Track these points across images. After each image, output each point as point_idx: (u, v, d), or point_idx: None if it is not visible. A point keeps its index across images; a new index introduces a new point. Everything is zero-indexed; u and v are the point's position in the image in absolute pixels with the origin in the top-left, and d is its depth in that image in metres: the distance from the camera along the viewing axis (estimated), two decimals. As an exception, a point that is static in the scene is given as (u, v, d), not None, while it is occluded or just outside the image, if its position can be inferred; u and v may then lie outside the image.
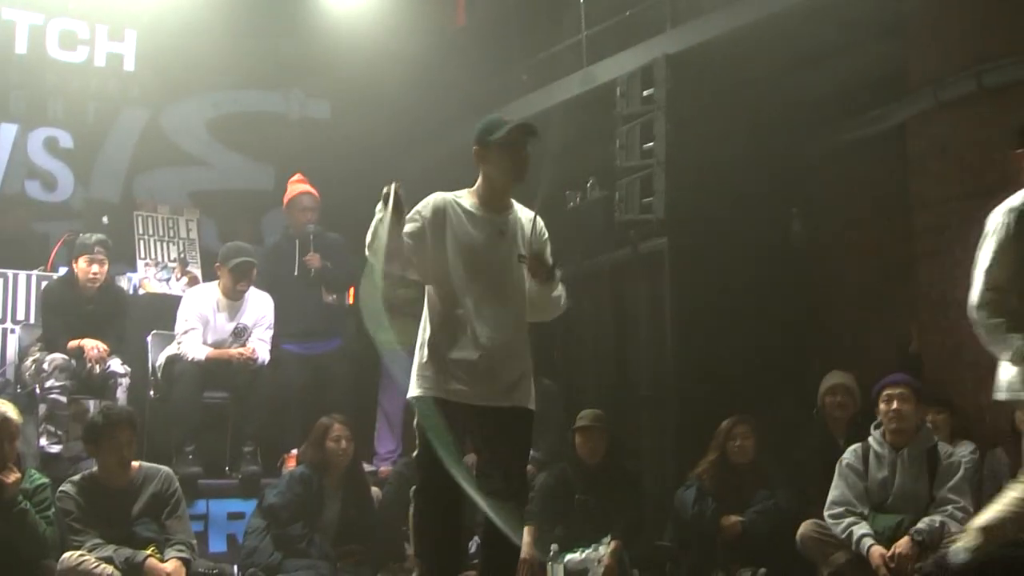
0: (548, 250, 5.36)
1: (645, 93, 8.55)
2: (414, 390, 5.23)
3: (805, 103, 8.35)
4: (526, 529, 7.22)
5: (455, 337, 5.18)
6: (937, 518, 6.17)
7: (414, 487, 5.32)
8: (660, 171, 8.32)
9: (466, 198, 5.30)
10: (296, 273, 8.76)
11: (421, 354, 5.24)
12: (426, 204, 5.26)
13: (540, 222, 5.37)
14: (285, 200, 9.01)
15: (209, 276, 9.02)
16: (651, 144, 8.44)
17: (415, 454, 5.32)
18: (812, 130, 8.63)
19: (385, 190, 5.08)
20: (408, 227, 5.16)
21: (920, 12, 7.85)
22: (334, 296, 8.91)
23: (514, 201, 5.38)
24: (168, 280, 9.62)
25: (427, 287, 5.32)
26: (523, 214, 5.39)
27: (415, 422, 5.28)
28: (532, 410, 5.36)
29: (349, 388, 8.83)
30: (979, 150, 7.59)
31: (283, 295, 8.64)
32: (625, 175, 8.61)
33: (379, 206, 5.08)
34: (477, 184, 5.34)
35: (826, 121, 8.55)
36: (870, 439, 6.51)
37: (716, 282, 8.25)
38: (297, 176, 9.04)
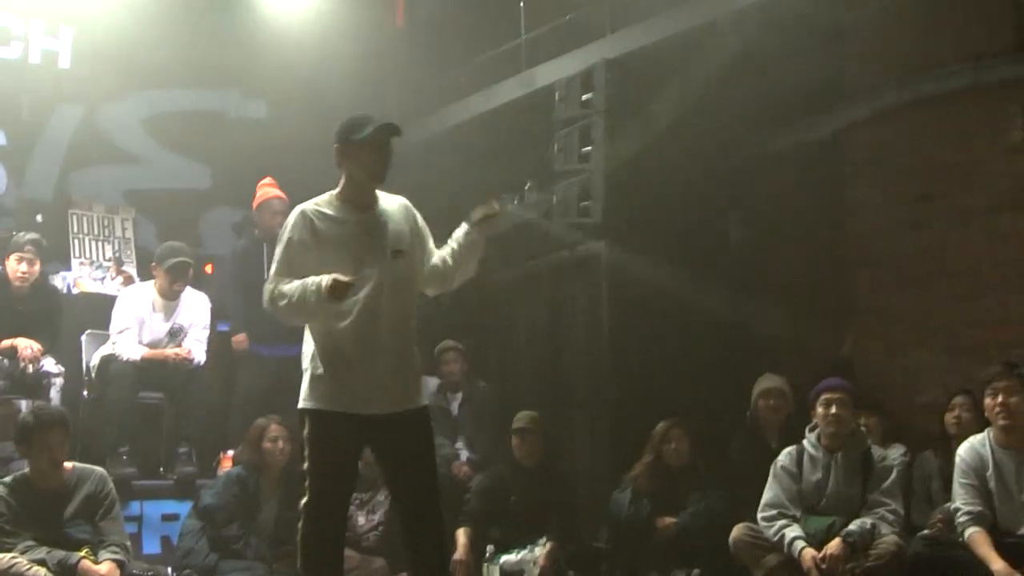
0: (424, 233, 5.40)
1: (584, 97, 8.59)
2: (304, 402, 5.23)
3: (743, 109, 8.43)
4: (461, 530, 7.26)
5: (341, 346, 5.15)
6: (868, 520, 6.24)
7: (303, 500, 5.21)
8: (598, 175, 8.37)
9: (327, 203, 5.26)
10: (265, 276, 8.70)
11: (313, 366, 5.22)
12: (294, 226, 5.21)
13: (409, 205, 5.39)
14: (255, 203, 8.92)
15: (145, 276, 8.94)
16: (589, 148, 8.48)
17: (304, 466, 5.24)
18: (750, 135, 8.71)
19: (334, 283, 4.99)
20: (294, 255, 5.16)
21: (859, 21, 7.96)
22: None
23: (378, 192, 5.32)
24: (103, 279, 9.52)
25: None
26: (390, 203, 5.35)
27: (304, 433, 5.24)
28: (427, 406, 5.40)
29: None
30: (914, 158, 7.72)
31: (252, 298, 8.59)
32: (563, 179, 8.65)
33: (321, 294, 5.00)
34: (340, 184, 5.30)
35: (764, 127, 8.63)
36: (805, 442, 6.57)
37: (652, 285, 8.31)
38: (267, 179, 8.97)
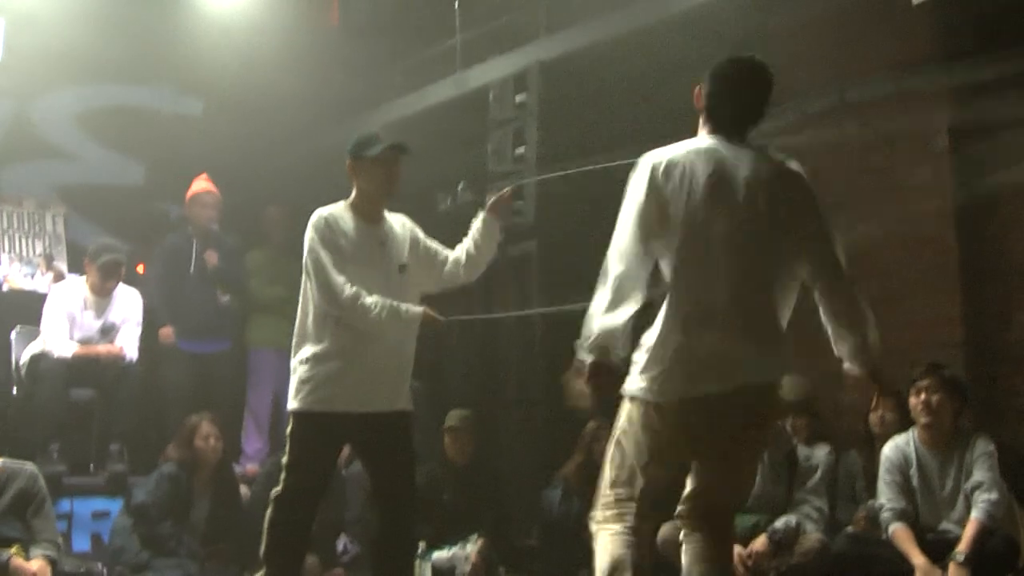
0: (424, 245, 5.74)
1: (518, 99, 8.66)
2: (294, 403, 5.36)
3: (675, 112, 8.51)
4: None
5: (343, 349, 5.31)
6: (793, 518, 6.37)
7: (274, 491, 5.40)
8: (531, 176, 8.44)
9: (343, 212, 5.47)
10: (192, 271, 8.70)
11: (307, 367, 5.36)
12: (323, 228, 5.39)
13: (409, 221, 5.74)
14: (187, 196, 8.94)
15: (76, 272, 8.89)
16: (522, 150, 8.55)
17: (284, 460, 5.42)
18: (682, 138, 8.79)
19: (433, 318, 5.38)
20: (335, 252, 5.34)
21: (786, 28, 8.07)
22: (228, 297, 8.87)
23: (386, 211, 5.59)
24: (33, 275, 9.46)
25: (307, 300, 5.42)
26: (395, 220, 5.63)
27: (288, 430, 5.37)
28: (411, 412, 5.64)
29: (238, 389, 8.84)
30: (840, 163, 7.84)
31: (179, 292, 8.60)
32: (496, 179, 8.70)
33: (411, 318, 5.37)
34: (352, 197, 5.53)
35: (689, 132, 8.71)
36: (732, 442, 6.69)
37: (584, 286, 8.37)
38: (203, 175, 8.98)
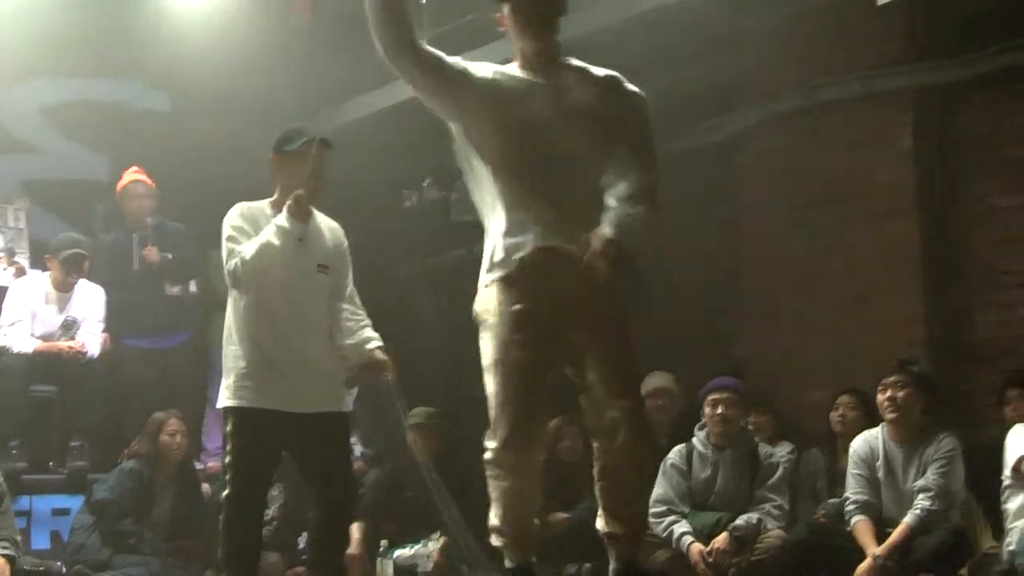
0: (349, 264, 5.58)
1: (486, 95, 8.62)
2: (226, 400, 5.31)
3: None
4: (355, 525, 7.25)
5: (262, 346, 5.26)
6: (754, 515, 6.39)
7: (224, 493, 5.34)
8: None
9: (264, 207, 5.41)
10: (136, 267, 8.57)
11: (236, 364, 5.30)
12: (236, 216, 5.34)
13: (340, 232, 5.60)
14: (117, 190, 8.82)
15: (39, 267, 8.81)
16: (489, 146, 8.51)
17: (226, 461, 5.36)
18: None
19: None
20: (240, 240, 5.24)
21: (757, 28, 8.09)
22: (178, 288, 8.76)
23: (315, 210, 5.43)
24: (-7, 270, 9.38)
25: (232, 297, 5.38)
26: (324, 223, 5.51)
27: (227, 429, 5.34)
28: (347, 413, 5.60)
29: (199, 383, 8.76)
30: (806, 162, 7.88)
31: (124, 291, 8.48)
32: (462, 177, 8.65)
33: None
34: (276, 193, 5.44)
35: (663, 127, 8.71)
36: (694, 440, 6.70)
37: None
38: (133, 167, 8.89)
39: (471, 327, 8.87)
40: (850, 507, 6.15)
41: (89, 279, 8.28)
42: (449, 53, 9.41)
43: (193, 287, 8.84)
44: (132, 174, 8.79)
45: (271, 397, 5.24)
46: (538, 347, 4.20)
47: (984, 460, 6.30)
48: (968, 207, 7.41)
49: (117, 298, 8.35)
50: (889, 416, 6.20)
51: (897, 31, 7.51)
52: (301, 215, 5.17)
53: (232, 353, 5.32)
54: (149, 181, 8.72)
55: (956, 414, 6.85)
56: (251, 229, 5.28)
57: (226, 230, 5.32)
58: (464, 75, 4.30)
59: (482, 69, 4.32)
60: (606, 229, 3.96)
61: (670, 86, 8.30)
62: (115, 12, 9.75)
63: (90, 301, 8.23)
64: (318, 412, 5.32)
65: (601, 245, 3.93)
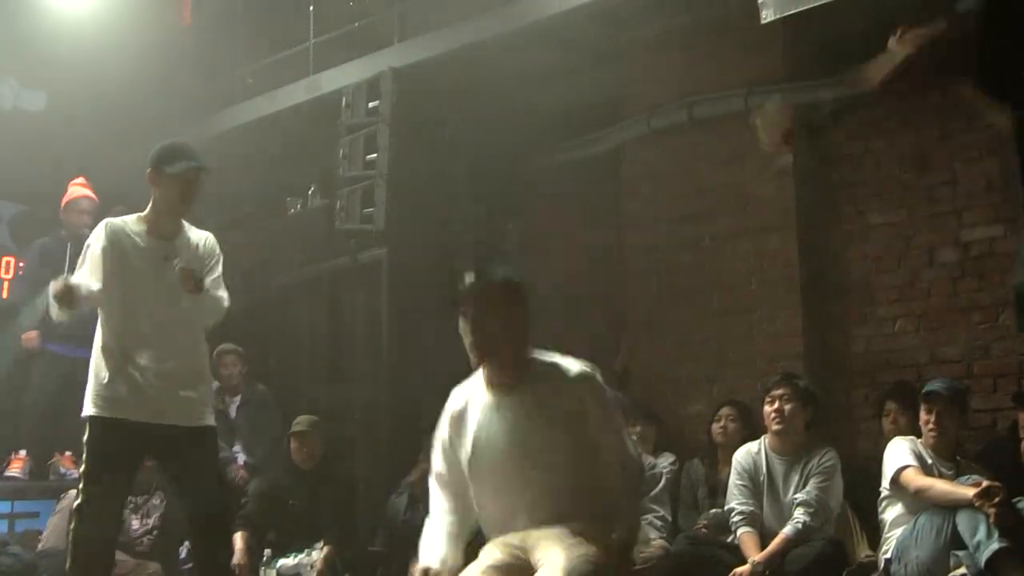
0: (219, 267, 5.55)
1: (370, 105, 8.61)
2: (89, 409, 5.28)
3: (527, 122, 8.56)
4: (239, 534, 7.19)
5: (128, 361, 5.25)
6: (636, 526, 6.46)
7: (76, 502, 5.29)
8: (382, 183, 8.39)
9: (134, 224, 5.41)
10: (66, 274, 8.42)
11: (100, 375, 5.28)
12: (98, 236, 5.37)
13: (212, 240, 5.58)
14: (63, 201, 8.63)
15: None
16: (374, 155, 8.50)
17: (82, 469, 5.32)
18: (533, 148, 8.85)
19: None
20: (95, 264, 5.32)
21: (636, 44, 8.19)
22: None
23: (185, 223, 5.48)
24: None
25: (100, 309, 5.38)
26: (195, 235, 5.53)
27: (84, 438, 5.29)
28: (214, 426, 5.55)
29: None
30: (687, 177, 7.97)
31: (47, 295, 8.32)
32: (347, 185, 8.65)
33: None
34: (148, 208, 5.45)
35: (547, 140, 8.78)
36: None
37: (433, 294, 8.38)
38: (79, 179, 8.71)
39: (350, 333, 8.88)
40: (736, 518, 6.21)
41: (22, 278, 8.15)
42: (335, 61, 9.39)
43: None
44: (80, 188, 8.63)
45: (131, 409, 5.22)
46: None
47: (859, 471, 6.44)
48: (845, 224, 7.55)
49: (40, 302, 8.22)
50: (775, 428, 6.27)
51: (775, 49, 7.63)
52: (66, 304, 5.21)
53: (95, 364, 5.32)
54: (94, 196, 8.57)
55: (833, 426, 6.98)
56: (113, 249, 5.32)
57: (88, 247, 5.39)
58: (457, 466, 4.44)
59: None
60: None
61: (555, 98, 8.41)
62: (-8, 9, 9.55)
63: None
64: (180, 425, 5.29)
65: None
